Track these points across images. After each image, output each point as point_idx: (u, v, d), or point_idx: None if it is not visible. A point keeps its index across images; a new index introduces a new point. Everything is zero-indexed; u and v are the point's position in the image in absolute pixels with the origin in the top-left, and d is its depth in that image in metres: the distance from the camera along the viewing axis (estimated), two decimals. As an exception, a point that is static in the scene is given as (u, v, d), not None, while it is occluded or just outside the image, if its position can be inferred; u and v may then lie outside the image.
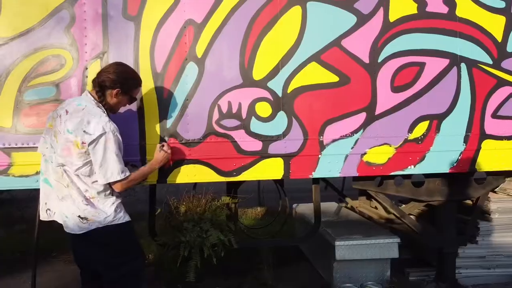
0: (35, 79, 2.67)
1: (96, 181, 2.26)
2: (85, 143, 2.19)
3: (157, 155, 2.60)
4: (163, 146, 2.63)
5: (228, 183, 3.72)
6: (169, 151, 2.63)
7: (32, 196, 2.93)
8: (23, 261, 4.51)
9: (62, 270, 4.27)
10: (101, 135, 2.19)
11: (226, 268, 3.92)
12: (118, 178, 2.26)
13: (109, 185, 2.29)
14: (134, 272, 2.39)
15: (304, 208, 4.78)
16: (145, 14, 2.76)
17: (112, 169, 2.24)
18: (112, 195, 2.33)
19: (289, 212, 5.10)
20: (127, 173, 2.31)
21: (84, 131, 2.19)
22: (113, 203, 2.31)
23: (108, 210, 2.28)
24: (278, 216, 5.40)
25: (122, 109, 2.67)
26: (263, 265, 3.83)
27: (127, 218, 2.38)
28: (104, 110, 2.32)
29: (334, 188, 4.35)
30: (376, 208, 4.65)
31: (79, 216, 2.24)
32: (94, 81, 2.35)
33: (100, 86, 2.32)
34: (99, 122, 2.21)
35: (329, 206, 5.02)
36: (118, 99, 2.37)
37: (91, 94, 2.33)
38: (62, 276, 4.10)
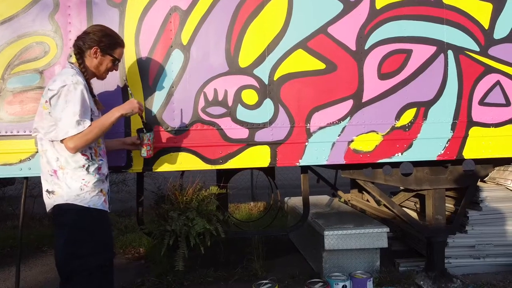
0: (18, 67, 2.64)
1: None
2: (48, 102, 2.07)
3: (127, 102, 2.28)
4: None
5: (219, 173, 3.72)
6: (140, 104, 2.30)
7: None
8: (12, 256, 4.50)
9: (51, 264, 4.23)
10: (61, 87, 2.03)
11: (216, 260, 3.92)
12: (75, 132, 2.00)
13: (85, 156, 2.10)
14: (88, 271, 2.05)
15: (296, 201, 4.77)
16: (130, 0, 2.73)
17: (70, 122, 2.01)
18: (87, 170, 2.10)
19: (281, 205, 5.11)
20: (86, 125, 2.04)
21: (49, 89, 2.07)
22: (83, 179, 2.08)
23: (72, 185, 2.06)
24: (270, 210, 5.42)
25: (107, 97, 2.67)
26: (253, 256, 3.82)
27: (99, 205, 2.11)
28: (79, 71, 2.17)
29: (326, 182, 4.35)
30: (368, 201, 4.66)
31: (46, 191, 2.10)
32: (73, 45, 2.25)
33: (79, 48, 2.22)
34: (63, 77, 2.07)
35: (321, 198, 5.02)
36: (98, 60, 2.24)
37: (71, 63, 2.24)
38: (50, 270, 4.09)
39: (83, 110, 2.06)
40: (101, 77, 2.35)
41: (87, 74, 2.22)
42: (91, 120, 2.11)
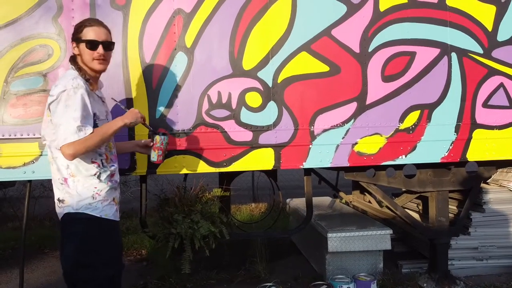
0: (22, 70, 2.64)
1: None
2: (48, 108, 1.99)
3: (130, 111, 2.17)
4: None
5: (221, 176, 3.72)
6: (139, 113, 2.18)
7: (25, 193, 2.86)
8: (14, 258, 4.49)
9: (53, 266, 4.24)
10: (61, 93, 1.94)
11: (219, 262, 3.91)
12: (75, 139, 1.90)
13: (96, 164, 2.03)
14: (97, 281, 1.99)
15: (298, 203, 4.78)
16: (134, 3, 2.73)
17: (69, 128, 1.90)
18: (98, 178, 2.03)
19: (283, 206, 5.11)
20: (88, 131, 1.94)
21: (50, 95, 1.99)
22: (95, 187, 2.01)
23: (84, 193, 1.99)
24: (272, 211, 5.41)
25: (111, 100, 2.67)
26: (256, 258, 3.81)
27: (111, 215, 2.05)
28: (78, 73, 2.06)
29: (328, 183, 4.35)
30: (370, 202, 4.66)
31: (58, 199, 2.03)
32: None
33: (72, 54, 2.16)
34: (64, 81, 1.98)
35: (323, 200, 5.02)
36: (79, 52, 2.09)
37: None
38: (53, 272, 4.08)
39: (85, 115, 1.96)
40: (95, 68, 2.11)
41: (84, 74, 2.08)
42: (96, 125, 2.04)
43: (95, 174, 2.03)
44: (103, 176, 2.06)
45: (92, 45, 2.07)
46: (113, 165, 2.16)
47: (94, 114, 2.05)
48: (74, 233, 2.00)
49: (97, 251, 2.01)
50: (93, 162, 2.04)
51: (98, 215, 2.01)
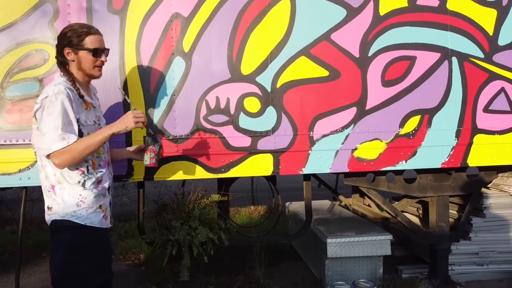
0: (17, 75, 2.60)
1: None
2: (34, 116, 1.98)
3: (122, 118, 2.05)
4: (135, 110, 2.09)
5: (219, 180, 3.68)
6: (139, 117, 2.04)
7: (22, 196, 2.82)
8: (12, 262, 4.45)
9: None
10: (44, 99, 1.92)
11: (218, 267, 3.88)
12: (59, 148, 1.87)
13: (80, 171, 1.98)
14: None
15: (297, 206, 4.74)
16: (131, 7, 2.70)
17: (53, 137, 1.88)
18: (83, 185, 1.99)
19: (282, 210, 5.08)
20: (71, 140, 1.89)
21: (36, 102, 1.97)
22: (80, 195, 1.97)
23: (68, 200, 1.95)
24: (271, 215, 5.38)
25: (107, 104, 2.64)
26: (255, 263, 3.78)
27: (96, 222, 2.01)
28: (65, 79, 2.02)
29: (327, 186, 4.32)
30: (369, 205, 4.63)
31: (47, 207, 2.01)
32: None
33: (57, 59, 2.09)
34: (48, 88, 1.97)
35: (322, 203, 4.99)
36: (76, 59, 2.05)
37: None
38: (49, 278, 3.99)
39: (67, 122, 1.91)
40: (95, 75, 2.12)
41: (73, 81, 2.04)
42: (79, 131, 1.98)
43: (79, 182, 1.99)
44: (88, 184, 2.01)
45: (97, 53, 2.07)
46: (100, 171, 2.09)
47: (78, 120, 1.99)
48: (60, 242, 1.98)
49: (84, 260, 1.97)
50: (77, 169, 1.99)
51: (83, 223, 1.98)
